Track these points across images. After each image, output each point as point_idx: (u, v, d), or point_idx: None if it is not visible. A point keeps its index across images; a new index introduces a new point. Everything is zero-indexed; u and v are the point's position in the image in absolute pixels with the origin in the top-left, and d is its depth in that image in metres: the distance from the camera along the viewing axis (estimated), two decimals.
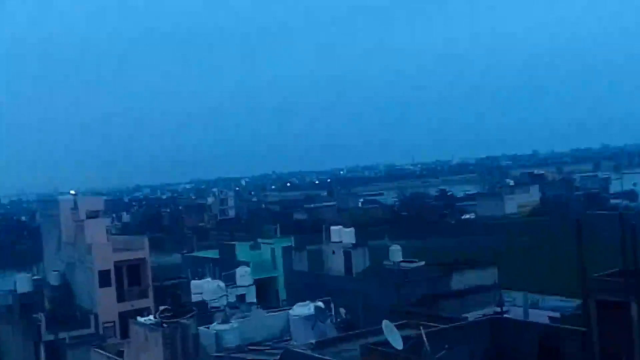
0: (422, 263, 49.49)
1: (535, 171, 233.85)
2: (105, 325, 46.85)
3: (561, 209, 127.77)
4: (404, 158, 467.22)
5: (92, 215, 51.81)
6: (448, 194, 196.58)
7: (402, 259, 50.08)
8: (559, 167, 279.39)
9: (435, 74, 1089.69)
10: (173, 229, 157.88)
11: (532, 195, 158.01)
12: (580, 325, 21.21)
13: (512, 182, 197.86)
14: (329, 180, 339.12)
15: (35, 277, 58.15)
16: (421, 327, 22.13)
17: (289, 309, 33.58)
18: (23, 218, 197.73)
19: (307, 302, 32.57)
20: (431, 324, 24.42)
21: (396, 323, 22.43)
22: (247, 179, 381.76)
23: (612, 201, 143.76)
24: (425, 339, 20.80)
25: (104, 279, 48.63)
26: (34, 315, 47.07)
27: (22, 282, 54.10)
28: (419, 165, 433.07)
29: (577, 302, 35.53)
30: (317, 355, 23.49)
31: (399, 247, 52.23)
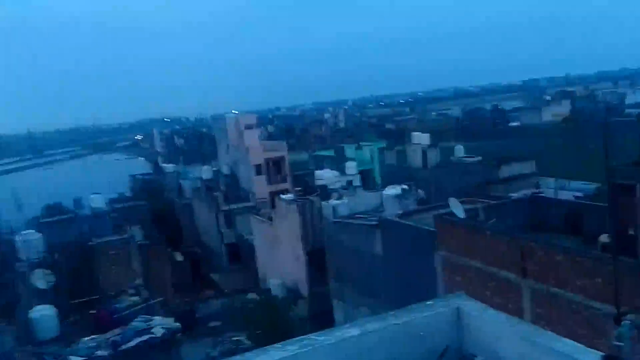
0: (479, 158, 48.05)
1: (567, 89, 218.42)
2: (259, 200, 48.76)
3: (586, 117, 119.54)
4: (467, 81, 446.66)
5: (249, 127, 53.11)
6: (499, 107, 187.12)
7: (464, 155, 48.84)
8: (585, 85, 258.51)
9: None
10: (302, 136, 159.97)
11: (564, 107, 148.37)
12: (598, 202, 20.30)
13: (548, 98, 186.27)
14: (410, 100, 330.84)
15: (213, 169, 60.83)
16: (478, 203, 21.76)
17: (383, 190, 33.78)
18: (204, 130, 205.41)
19: (395, 185, 32.57)
20: (484, 200, 23.96)
21: (459, 199, 22.13)
22: (352, 100, 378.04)
23: (627, 110, 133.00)
24: (480, 211, 20.48)
25: (257, 169, 50.27)
26: (214, 193, 49.53)
27: (206, 171, 56.73)
28: (478, 87, 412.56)
29: (596, 185, 33.77)
30: (403, 221, 23.69)
31: (461, 146, 50.85)
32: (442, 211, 21.65)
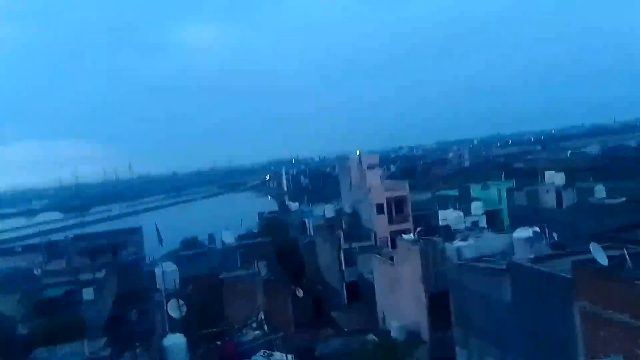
0: (623, 199, 43.48)
1: None
2: (380, 239, 48.18)
3: None
4: (605, 117, 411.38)
5: (371, 167, 53.30)
6: None
7: (604, 196, 44.49)
8: None
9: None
10: (424, 175, 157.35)
11: None
12: None
13: None
14: (541, 137, 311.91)
15: (336, 207, 61.60)
16: (624, 248, 19.33)
17: (512, 233, 31.60)
18: (327, 170, 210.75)
19: (526, 227, 30.31)
20: (631, 246, 21.26)
21: (601, 244, 19.84)
22: (477, 139, 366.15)
23: None
24: (627, 257, 18.14)
25: (379, 209, 49.93)
26: (336, 232, 49.87)
27: (328, 210, 57.67)
28: (619, 123, 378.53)
29: None
30: (535, 267, 21.80)
31: (602, 187, 46.45)
32: (580, 257, 19.56)
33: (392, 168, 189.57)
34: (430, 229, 43.38)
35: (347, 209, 55.50)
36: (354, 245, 46.94)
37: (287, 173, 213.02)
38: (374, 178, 52.26)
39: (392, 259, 34.95)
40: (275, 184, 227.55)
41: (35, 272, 51.66)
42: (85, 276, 44.43)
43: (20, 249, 75.82)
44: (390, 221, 49.52)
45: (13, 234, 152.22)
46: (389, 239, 47.47)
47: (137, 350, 24.76)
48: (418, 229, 35.60)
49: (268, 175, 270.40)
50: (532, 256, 23.17)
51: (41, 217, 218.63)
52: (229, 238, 51.23)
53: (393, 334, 29.32)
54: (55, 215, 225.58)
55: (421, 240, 31.71)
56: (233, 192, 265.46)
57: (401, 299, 32.51)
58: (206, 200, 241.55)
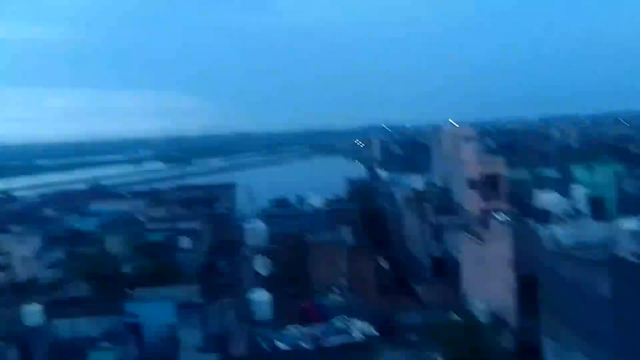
0: None
1: None
2: (471, 216, 46.74)
3: None
4: None
5: (466, 139, 51.41)
6: None
7: None
8: None
9: None
10: (524, 152, 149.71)
11: None
12: None
13: None
14: None
15: (426, 179, 60.38)
16: None
17: (617, 222, 29.37)
18: (421, 139, 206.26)
19: (634, 217, 28.08)
20: None
21: None
22: (586, 116, 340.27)
23: None
24: None
25: (471, 184, 48.21)
26: (424, 204, 49.00)
27: (418, 181, 56.67)
28: None
29: None
30: (638, 261, 20.13)
31: None
32: None
33: (489, 142, 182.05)
34: (525, 210, 41.44)
35: (438, 182, 54.20)
36: (442, 219, 45.95)
37: (378, 139, 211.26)
38: (469, 151, 50.37)
39: (481, 237, 33.87)
40: (365, 149, 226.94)
41: (138, 217, 55.76)
42: (183, 225, 47.32)
43: (126, 195, 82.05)
44: (483, 198, 47.71)
45: (120, 180, 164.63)
46: (479, 217, 45.96)
47: (227, 301, 26.12)
48: (512, 209, 34.11)
49: (359, 141, 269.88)
50: (637, 251, 21.46)
51: (146, 166, 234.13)
52: (316, 201, 52.08)
53: (476, 314, 28.66)
54: (158, 165, 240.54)
55: (514, 221, 30.39)
56: (323, 154, 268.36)
57: (488, 280, 31.56)
58: (297, 161, 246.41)
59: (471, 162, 49.15)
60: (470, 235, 36.06)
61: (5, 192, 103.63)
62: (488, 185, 49.07)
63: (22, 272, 45.03)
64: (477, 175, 48.32)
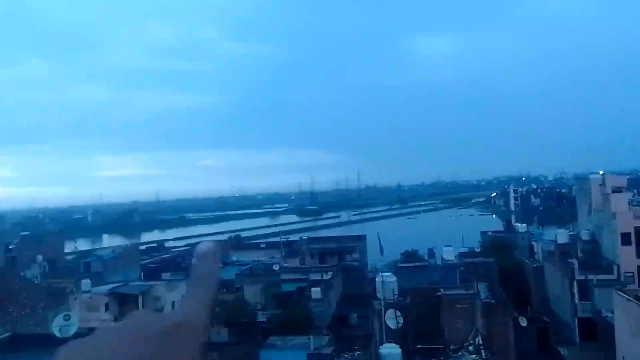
0: None
1: None
2: (625, 274, 42.22)
3: None
4: None
5: (617, 190, 47.12)
6: None
7: None
8: None
9: None
10: None
11: None
12: None
13: None
14: None
15: (571, 233, 55.99)
16: None
17: None
18: (563, 190, 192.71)
19: None
20: None
21: None
22: None
23: None
24: None
25: (625, 239, 43.77)
26: (569, 260, 45.33)
27: (562, 235, 52.76)
28: None
29: None
30: None
31: None
32: None
33: None
34: None
35: (584, 236, 49.90)
36: (591, 277, 42.01)
37: (515, 191, 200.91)
38: (621, 203, 45.95)
39: (638, 298, 30.29)
40: (501, 202, 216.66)
41: (274, 267, 58.26)
42: (315, 276, 48.47)
43: (263, 245, 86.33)
44: (639, 254, 43.00)
45: (259, 232, 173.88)
46: (636, 274, 41.32)
47: (356, 354, 25.96)
48: None
49: (494, 193, 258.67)
50: None
51: (282, 219, 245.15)
52: (449, 254, 50.43)
53: None
54: (294, 217, 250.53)
55: None
56: (456, 207, 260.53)
57: None
58: (428, 213, 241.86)
59: (624, 214, 44.75)
60: (625, 295, 32.44)
61: (159, 242, 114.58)
62: None
63: None
64: (631, 228, 43.80)
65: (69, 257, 77.29)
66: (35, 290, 40.70)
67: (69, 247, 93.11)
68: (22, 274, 47.58)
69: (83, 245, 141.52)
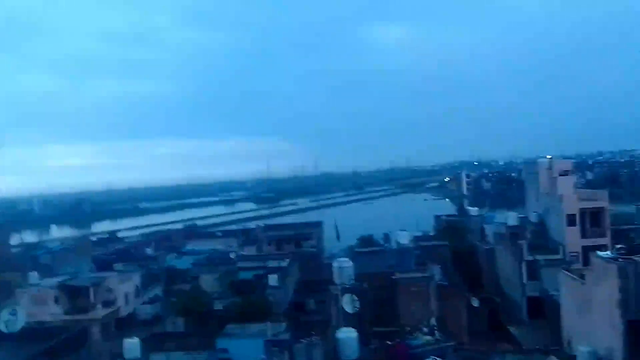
0: None
1: None
2: (571, 254, 44.01)
3: None
4: None
5: (563, 173, 48.87)
6: None
7: None
8: None
9: None
10: (629, 185, 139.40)
11: None
12: None
13: None
14: None
15: (520, 216, 57.78)
16: None
17: None
18: (514, 174, 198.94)
19: None
20: None
21: None
22: None
23: None
24: None
25: (570, 220, 45.60)
26: (519, 242, 46.82)
27: (511, 218, 54.33)
28: None
29: None
30: None
31: None
32: None
33: (589, 176, 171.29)
34: (633, 247, 38.21)
35: (533, 218, 51.61)
36: (539, 257, 43.56)
37: (467, 176, 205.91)
38: (567, 186, 47.74)
39: (583, 276, 31.57)
40: (454, 186, 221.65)
41: (231, 255, 57.77)
42: (272, 263, 48.38)
43: (220, 234, 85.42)
44: (584, 235, 44.88)
45: (215, 220, 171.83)
46: (580, 254, 43.13)
47: (314, 339, 26.09)
48: (617, 245, 31.58)
49: (447, 178, 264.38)
50: None
51: (238, 207, 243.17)
52: (404, 239, 51.17)
53: (579, 359, 26.52)
54: (250, 205, 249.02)
55: (620, 259, 28.07)
56: (411, 192, 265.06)
57: (592, 322, 29.22)
58: (384, 199, 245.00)
59: (570, 197, 46.52)
60: (570, 274, 33.79)
61: (111, 233, 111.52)
62: (589, 220, 46.10)
63: (124, 308, 47.84)
64: (576, 210, 45.62)
65: (15, 250, 74.28)
66: None
67: (15, 240, 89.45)
68: None
69: (30, 237, 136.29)
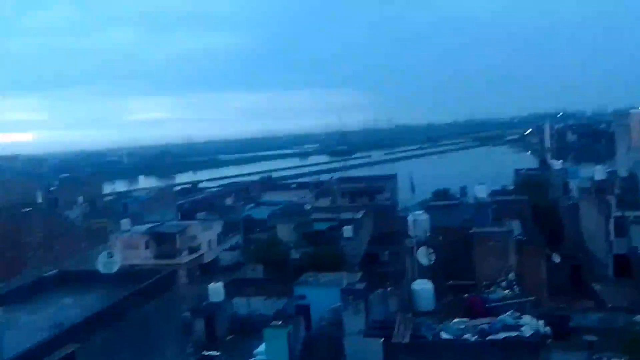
0: None
1: None
2: None
3: None
4: None
5: None
6: None
7: None
8: None
9: None
10: None
11: None
12: None
13: None
14: None
15: (608, 170, 54.66)
16: None
17: None
18: (602, 126, 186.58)
19: None
20: None
21: None
22: None
23: None
24: None
25: None
26: (606, 197, 44.41)
27: (599, 172, 51.57)
28: None
29: None
30: None
31: None
32: None
33: None
34: None
35: (623, 173, 48.64)
36: (628, 214, 41.13)
37: (551, 128, 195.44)
38: None
39: None
40: (536, 139, 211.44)
41: (305, 207, 58.97)
42: (346, 215, 48.91)
43: (295, 186, 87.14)
44: None
45: (290, 172, 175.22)
46: None
47: (388, 289, 26.41)
48: None
49: (529, 130, 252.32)
50: None
51: (312, 159, 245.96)
52: (482, 193, 49.86)
53: None
54: (323, 158, 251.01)
55: None
56: (489, 145, 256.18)
57: None
58: (460, 152, 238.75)
59: None
60: None
61: (192, 183, 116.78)
62: None
63: (207, 255, 50.52)
64: None
65: (107, 199, 79.68)
66: (78, 230, 42.33)
67: (107, 189, 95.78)
68: (64, 214, 49.43)
69: (120, 186, 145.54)
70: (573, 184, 56.50)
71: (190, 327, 27.67)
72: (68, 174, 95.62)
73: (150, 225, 50.74)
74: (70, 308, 18.51)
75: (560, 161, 78.88)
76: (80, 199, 63.94)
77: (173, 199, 72.22)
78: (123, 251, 38.26)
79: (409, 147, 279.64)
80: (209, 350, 24.57)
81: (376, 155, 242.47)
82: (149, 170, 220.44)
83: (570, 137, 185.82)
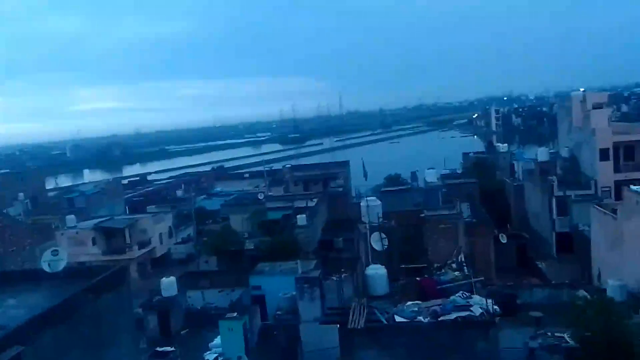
0: None
1: None
2: (603, 189, 43.33)
3: None
4: None
5: (597, 106, 47.33)
6: None
7: None
8: None
9: None
10: None
11: None
12: None
13: None
14: None
15: (551, 151, 56.79)
16: None
17: None
18: (545, 109, 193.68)
19: None
20: None
21: None
22: None
23: None
24: None
25: (603, 154, 44.55)
26: (549, 177, 46.24)
27: (542, 153, 53.43)
28: None
29: None
30: None
31: None
32: None
33: (625, 108, 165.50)
34: None
35: (564, 153, 50.62)
36: (569, 193, 43.02)
37: (497, 111, 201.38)
38: (600, 119, 46.33)
39: (615, 211, 31.21)
40: (483, 122, 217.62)
41: (259, 196, 58.63)
42: (300, 203, 48.95)
43: (247, 175, 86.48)
44: (617, 169, 43.92)
45: (243, 162, 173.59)
46: (612, 189, 42.40)
47: (343, 276, 26.70)
48: None
49: (476, 114, 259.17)
50: None
51: (265, 148, 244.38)
52: (432, 177, 51.00)
53: (609, 292, 26.58)
54: (276, 146, 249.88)
55: None
56: (439, 129, 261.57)
57: (623, 256, 29.15)
58: (411, 137, 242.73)
59: (603, 130, 45.27)
60: (602, 209, 33.41)
61: (141, 176, 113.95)
62: (623, 154, 45.01)
63: (158, 248, 49.55)
64: (609, 144, 44.48)
65: (51, 194, 76.77)
66: (20, 227, 40.59)
67: (50, 184, 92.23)
68: (4, 211, 47.26)
69: (64, 181, 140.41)
70: (518, 166, 58.49)
71: (143, 323, 27.14)
72: (8, 169, 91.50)
73: (97, 220, 49.28)
74: (13, 309, 17.79)
75: (506, 144, 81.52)
76: (22, 195, 61.30)
77: (121, 192, 70.33)
78: (69, 248, 36.97)
79: (362, 134, 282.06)
80: (163, 345, 24.13)
81: (329, 142, 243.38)
82: (95, 163, 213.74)
83: (515, 120, 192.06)
